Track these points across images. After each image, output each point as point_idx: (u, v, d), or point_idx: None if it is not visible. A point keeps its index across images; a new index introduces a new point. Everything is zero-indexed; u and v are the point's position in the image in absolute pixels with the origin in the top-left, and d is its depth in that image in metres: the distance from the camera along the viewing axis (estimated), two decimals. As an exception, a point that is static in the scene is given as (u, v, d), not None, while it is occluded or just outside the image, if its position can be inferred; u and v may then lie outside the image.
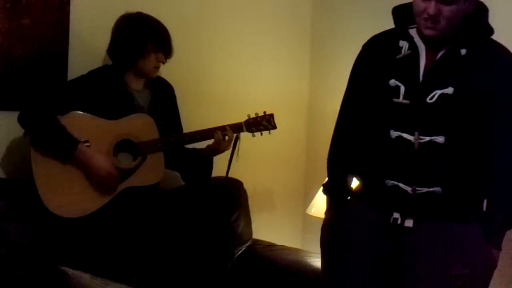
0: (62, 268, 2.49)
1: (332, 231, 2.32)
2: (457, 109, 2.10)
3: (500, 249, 2.16)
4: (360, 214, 2.25)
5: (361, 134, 2.27)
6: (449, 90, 2.09)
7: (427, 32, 2.11)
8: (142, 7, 2.96)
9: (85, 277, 2.48)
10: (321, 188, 2.44)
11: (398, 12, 2.23)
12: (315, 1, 3.79)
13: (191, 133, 2.96)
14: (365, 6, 3.50)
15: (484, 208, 2.19)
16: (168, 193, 3.11)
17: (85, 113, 2.78)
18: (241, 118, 2.99)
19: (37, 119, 2.72)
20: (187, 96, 3.21)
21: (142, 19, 2.90)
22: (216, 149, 2.95)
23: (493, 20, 2.19)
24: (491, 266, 2.17)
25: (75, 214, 2.72)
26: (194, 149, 3.01)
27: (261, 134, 3.02)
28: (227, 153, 3.00)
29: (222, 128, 2.93)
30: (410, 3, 2.17)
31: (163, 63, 2.94)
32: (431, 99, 2.10)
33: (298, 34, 3.77)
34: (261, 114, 3.00)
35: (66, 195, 2.73)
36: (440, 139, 2.10)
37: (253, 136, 3.00)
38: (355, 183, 2.37)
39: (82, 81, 2.85)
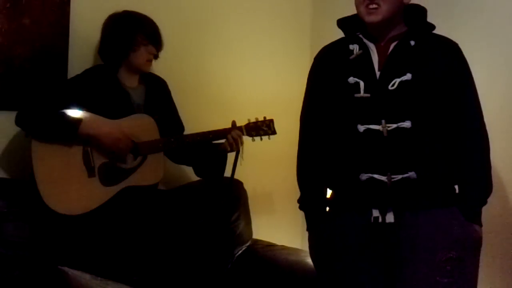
0: (62, 268, 2.49)
1: (321, 254, 2.35)
2: (418, 93, 2.18)
3: (481, 224, 2.22)
4: (341, 228, 2.27)
5: (328, 139, 2.32)
6: (408, 76, 2.17)
7: (370, 18, 2.20)
8: (142, 8, 2.96)
9: (85, 277, 2.48)
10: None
11: (343, 23, 2.36)
12: (315, 1, 3.79)
13: (192, 134, 2.96)
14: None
15: (457, 191, 2.24)
16: (168, 193, 3.11)
17: (86, 112, 2.76)
18: (241, 119, 2.99)
19: (35, 113, 2.71)
20: (187, 97, 3.20)
21: (129, 15, 2.92)
22: (225, 149, 2.95)
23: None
24: (477, 244, 2.21)
25: (75, 211, 2.71)
26: (210, 143, 3.00)
27: (261, 139, 3.03)
28: (231, 156, 3.00)
29: (231, 129, 2.94)
30: (351, 15, 2.31)
31: (155, 55, 2.95)
32: (392, 86, 2.17)
33: (298, 34, 3.77)
34: (261, 118, 3.01)
35: (66, 192, 2.72)
36: (406, 123, 2.16)
37: (253, 140, 3.01)
38: (328, 192, 2.40)
39: (77, 80, 2.85)
